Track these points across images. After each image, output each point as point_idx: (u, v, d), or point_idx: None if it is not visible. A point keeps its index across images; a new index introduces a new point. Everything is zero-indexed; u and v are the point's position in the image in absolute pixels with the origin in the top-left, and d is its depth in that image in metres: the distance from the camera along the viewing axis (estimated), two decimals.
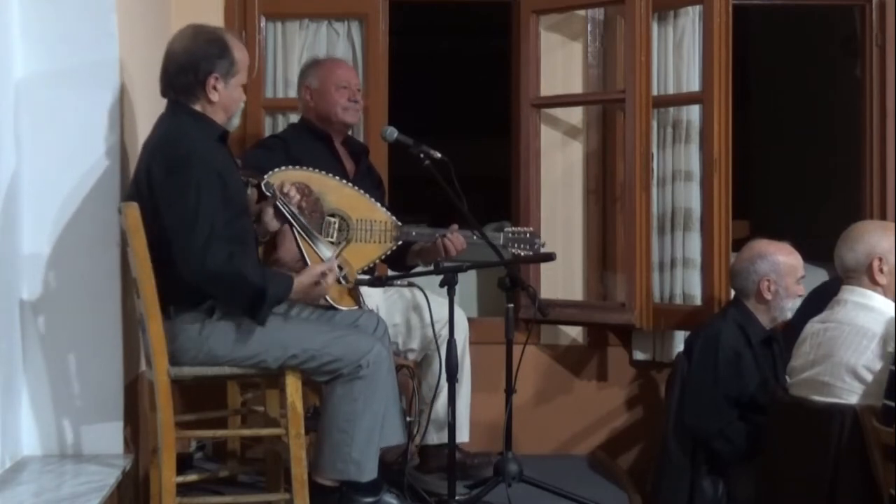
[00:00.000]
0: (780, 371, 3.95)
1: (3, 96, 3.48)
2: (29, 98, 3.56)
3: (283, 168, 3.84)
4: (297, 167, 3.87)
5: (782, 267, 4.10)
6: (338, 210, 3.88)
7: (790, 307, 4.11)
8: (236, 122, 3.61)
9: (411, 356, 4.14)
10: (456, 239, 3.98)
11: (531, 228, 4.23)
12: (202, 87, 3.43)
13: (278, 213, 3.62)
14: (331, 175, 3.93)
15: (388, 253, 3.95)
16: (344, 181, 3.95)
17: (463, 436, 4.09)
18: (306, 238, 3.67)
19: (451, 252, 3.97)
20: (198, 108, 3.45)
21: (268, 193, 3.58)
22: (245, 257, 3.39)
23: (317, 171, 3.90)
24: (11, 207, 3.50)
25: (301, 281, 3.45)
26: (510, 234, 4.08)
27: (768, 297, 4.09)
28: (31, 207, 3.57)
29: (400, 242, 3.96)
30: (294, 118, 4.75)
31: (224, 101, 3.47)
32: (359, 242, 3.89)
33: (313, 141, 4.17)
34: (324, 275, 3.47)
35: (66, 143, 3.59)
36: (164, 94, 3.50)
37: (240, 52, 3.49)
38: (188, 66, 3.42)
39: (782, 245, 4.18)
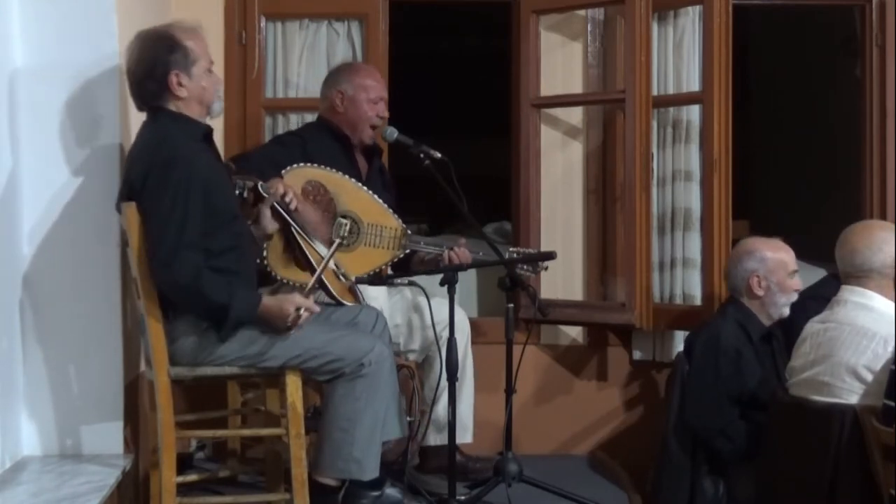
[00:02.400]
0: (780, 367, 3.95)
1: (3, 95, 3.48)
2: (28, 97, 3.56)
3: (301, 165, 3.85)
4: (315, 165, 3.88)
5: (770, 262, 4.10)
6: (350, 212, 3.89)
7: (785, 302, 4.10)
8: (218, 107, 3.56)
9: (412, 357, 4.14)
10: (462, 253, 3.99)
11: (535, 250, 4.28)
12: (167, 88, 3.40)
13: (276, 215, 3.61)
14: (347, 177, 3.94)
15: (395, 261, 3.97)
16: (360, 184, 3.97)
17: (466, 437, 4.10)
18: (306, 238, 3.67)
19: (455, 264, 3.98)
20: (173, 108, 3.43)
21: (265, 195, 3.57)
22: (216, 270, 3.32)
23: (334, 171, 3.91)
24: (11, 207, 3.50)
25: (268, 306, 3.37)
26: (515, 255, 4.12)
27: (759, 293, 4.09)
28: (31, 207, 3.58)
29: (407, 251, 3.97)
30: (294, 118, 4.76)
31: (194, 92, 3.44)
32: (367, 246, 3.91)
33: (331, 141, 4.17)
34: (298, 311, 3.36)
35: (65, 143, 3.59)
36: (140, 109, 3.49)
37: (191, 40, 3.44)
38: (146, 75, 3.40)
39: (771, 241, 4.19)
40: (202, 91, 3.46)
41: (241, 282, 3.42)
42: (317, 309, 3.43)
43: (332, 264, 3.67)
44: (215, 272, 3.33)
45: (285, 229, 3.67)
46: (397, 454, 3.87)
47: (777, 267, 4.10)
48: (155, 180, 3.31)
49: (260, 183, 3.58)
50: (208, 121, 3.54)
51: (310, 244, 3.68)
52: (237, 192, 3.53)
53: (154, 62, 3.39)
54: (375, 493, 3.55)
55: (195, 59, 3.43)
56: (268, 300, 3.40)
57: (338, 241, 3.78)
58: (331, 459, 3.51)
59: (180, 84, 3.41)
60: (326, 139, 4.17)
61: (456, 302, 3.71)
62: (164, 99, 3.42)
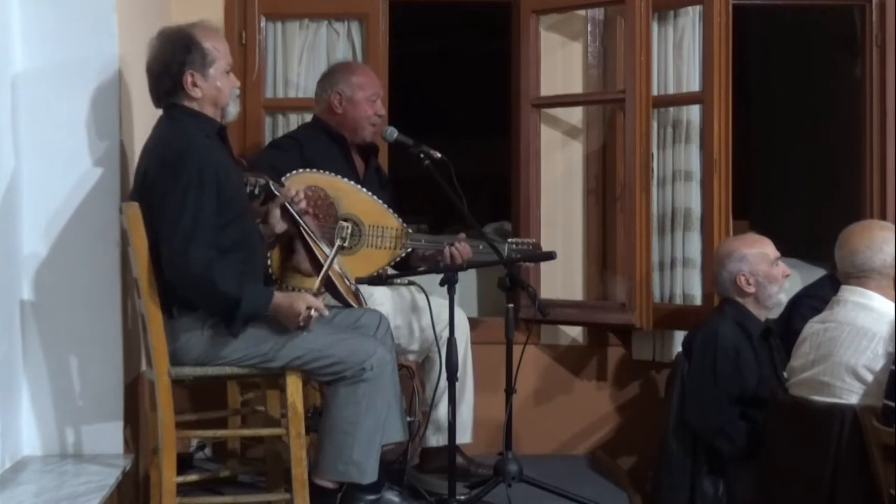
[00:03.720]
0: (779, 363, 3.96)
1: (3, 96, 3.48)
2: (29, 97, 3.56)
3: (301, 171, 3.85)
4: (314, 170, 3.89)
5: (751, 258, 4.11)
6: (351, 215, 3.90)
7: (778, 290, 4.12)
8: (233, 110, 3.57)
9: (412, 357, 4.14)
10: (463, 248, 4.00)
11: (534, 240, 4.29)
12: (181, 87, 3.42)
13: (286, 214, 3.60)
14: (346, 179, 3.95)
15: (397, 259, 3.97)
16: (359, 187, 3.98)
17: (465, 437, 4.09)
18: (314, 240, 3.67)
19: (457, 260, 3.99)
20: (188, 105, 3.44)
21: (276, 194, 3.57)
22: (228, 263, 3.33)
23: (333, 174, 3.92)
24: (11, 207, 3.50)
25: (280, 303, 3.37)
26: (513, 245, 4.11)
27: (751, 290, 4.10)
28: (31, 207, 3.58)
29: (409, 250, 3.97)
30: (294, 118, 4.76)
31: (209, 93, 3.45)
32: (370, 248, 3.92)
33: (328, 142, 4.17)
34: (308, 311, 3.35)
35: (65, 143, 3.59)
36: (157, 105, 3.50)
37: (211, 41, 3.45)
38: (162, 72, 3.42)
39: (745, 237, 4.25)
40: (217, 92, 3.46)
41: (250, 279, 3.41)
42: (326, 312, 3.43)
43: (336, 267, 3.66)
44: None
45: (293, 231, 3.65)
46: (397, 454, 3.87)
47: (759, 260, 4.11)
48: (168, 173, 3.31)
49: (272, 181, 3.57)
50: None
51: (318, 246, 3.67)
52: (248, 189, 3.52)
53: (170, 60, 3.41)
54: (373, 497, 3.55)
55: (213, 61, 3.44)
56: (279, 297, 3.39)
57: (339, 242, 3.78)
58: (330, 462, 3.50)
59: (195, 84, 3.42)
60: (323, 140, 4.17)
61: (456, 302, 3.72)
62: (178, 97, 3.44)
